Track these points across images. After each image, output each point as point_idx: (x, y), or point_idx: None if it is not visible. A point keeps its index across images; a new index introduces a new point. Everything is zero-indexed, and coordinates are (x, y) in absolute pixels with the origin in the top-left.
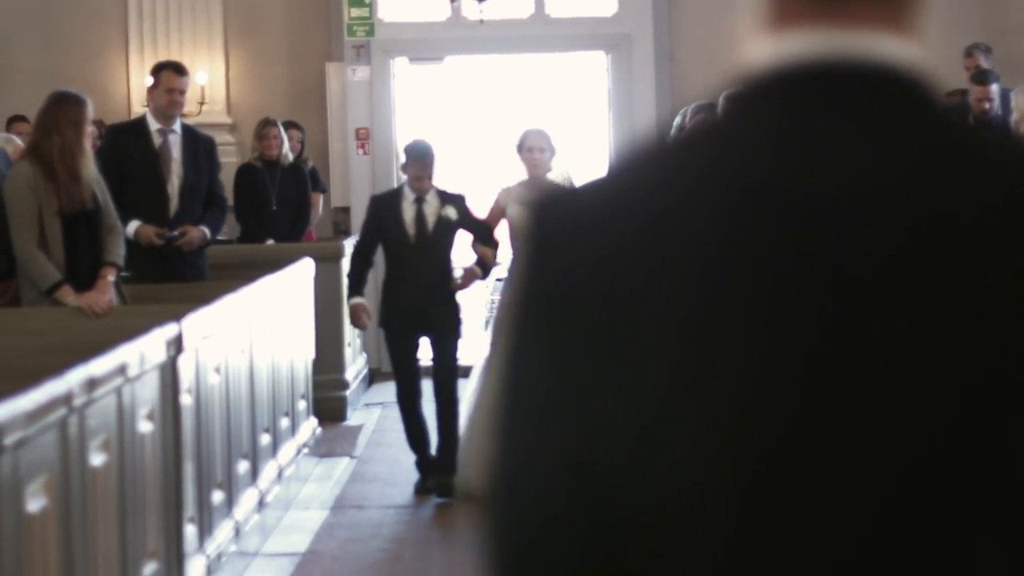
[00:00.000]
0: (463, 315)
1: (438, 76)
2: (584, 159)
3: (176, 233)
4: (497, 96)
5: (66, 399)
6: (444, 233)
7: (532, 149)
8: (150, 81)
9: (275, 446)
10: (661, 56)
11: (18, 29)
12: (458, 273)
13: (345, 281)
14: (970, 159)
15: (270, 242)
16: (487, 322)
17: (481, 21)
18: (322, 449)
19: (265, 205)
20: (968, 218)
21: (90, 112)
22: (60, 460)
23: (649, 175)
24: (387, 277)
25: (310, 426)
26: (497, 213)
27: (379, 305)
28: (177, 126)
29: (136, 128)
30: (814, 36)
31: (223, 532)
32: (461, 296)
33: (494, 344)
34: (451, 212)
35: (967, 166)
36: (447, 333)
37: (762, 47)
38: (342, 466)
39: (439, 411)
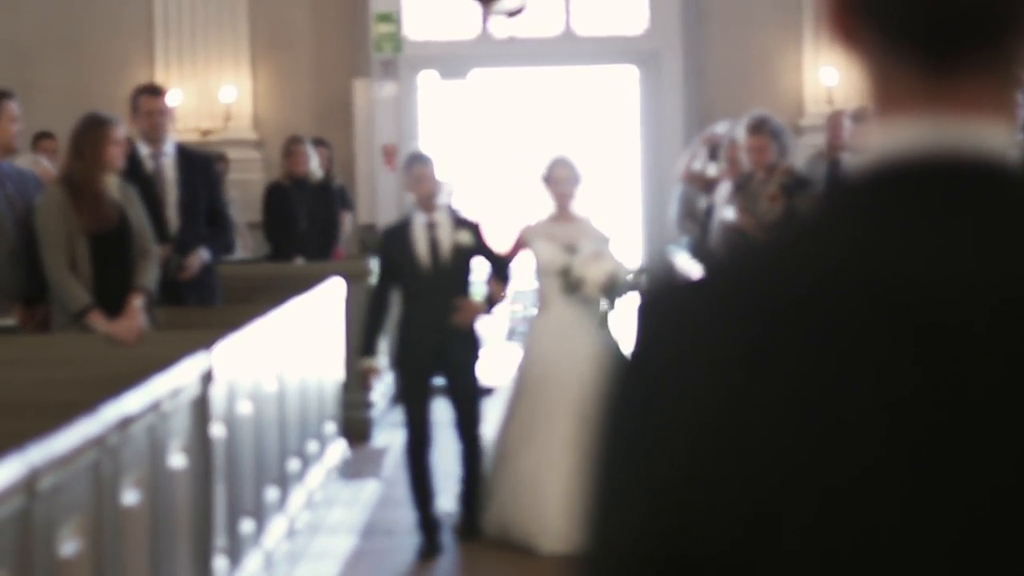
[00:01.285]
0: (482, 350)
1: (466, 92)
2: (611, 178)
3: (175, 260)
4: (525, 113)
5: (99, 439)
6: (460, 261)
7: (560, 180)
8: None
9: (304, 471)
10: (690, 72)
11: (43, 46)
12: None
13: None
14: None
15: (299, 260)
16: (511, 332)
17: (511, 38)
18: (349, 471)
19: (294, 223)
20: None
21: (116, 132)
22: (93, 502)
23: (759, 274)
24: (403, 315)
25: (338, 448)
26: (520, 247)
27: (395, 343)
28: (169, 147)
29: (127, 156)
30: (920, 126)
31: (253, 562)
32: (481, 326)
33: (518, 378)
34: (465, 237)
35: None
36: (466, 369)
37: (871, 135)
38: (369, 489)
39: (463, 450)
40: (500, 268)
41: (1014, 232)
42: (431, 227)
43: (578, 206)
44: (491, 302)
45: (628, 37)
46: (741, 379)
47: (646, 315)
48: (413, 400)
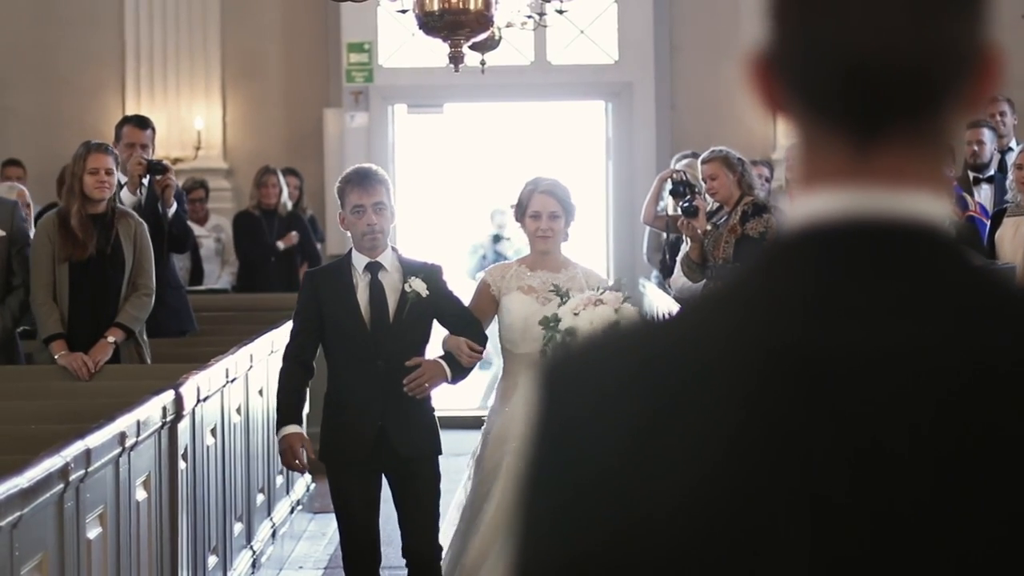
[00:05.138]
0: (438, 438)
1: (437, 123)
2: (582, 212)
3: (160, 163)
4: (497, 144)
5: (63, 474)
6: (412, 317)
7: (539, 215)
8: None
9: (269, 505)
10: (662, 105)
11: (14, 71)
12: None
13: None
14: (1013, 322)
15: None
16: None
17: (483, 69)
18: (315, 505)
19: (264, 255)
20: (1013, 386)
21: (95, 160)
22: (56, 537)
23: (673, 335)
24: (330, 387)
25: (304, 482)
26: (486, 303)
27: (321, 429)
28: (145, 179)
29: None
30: (846, 195)
31: None
32: (435, 406)
33: (477, 473)
34: (419, 286)
35: (1010, 330)
36: (420, 468)
37: (798, 205)
38: (335, 523)
39: None
40: (468, 323)
41: (938, 299)
42: (373, 268)
43: (567, 249)
44: (454, 364)
45: (601, 66)
46: (642, 448)
47: (553, 379)
48: (347, 506)
